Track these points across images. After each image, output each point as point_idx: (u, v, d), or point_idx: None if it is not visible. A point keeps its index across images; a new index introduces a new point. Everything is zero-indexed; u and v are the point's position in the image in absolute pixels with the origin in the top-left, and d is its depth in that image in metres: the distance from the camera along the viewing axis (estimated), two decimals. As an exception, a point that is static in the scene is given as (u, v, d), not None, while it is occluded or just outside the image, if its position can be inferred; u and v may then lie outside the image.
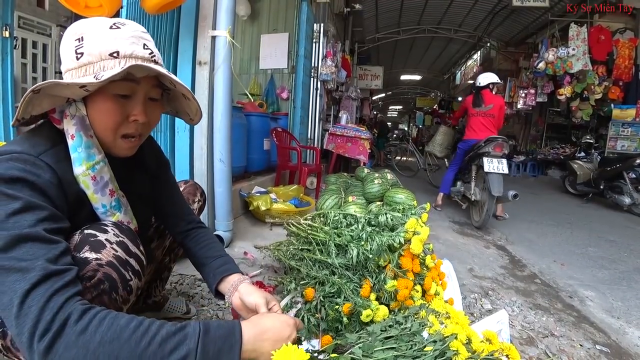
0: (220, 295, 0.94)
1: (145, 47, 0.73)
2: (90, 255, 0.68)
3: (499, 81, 3.93)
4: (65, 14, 5.81)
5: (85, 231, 0.72)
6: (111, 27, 0.70)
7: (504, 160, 3.35)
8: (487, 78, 3.86)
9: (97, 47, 0.68)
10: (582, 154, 6.52)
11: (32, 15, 5.51)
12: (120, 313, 0.57)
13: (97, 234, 0.72)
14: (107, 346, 0.52)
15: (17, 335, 0.52)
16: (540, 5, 7.35)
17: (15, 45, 4.84)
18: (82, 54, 0.68)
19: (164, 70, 0.71)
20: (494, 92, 3.90)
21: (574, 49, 6.75)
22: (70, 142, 0.72)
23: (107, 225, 0.75)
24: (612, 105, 7.00)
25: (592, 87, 7.04)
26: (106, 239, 0.71)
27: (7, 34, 2.89)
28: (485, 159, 3.38)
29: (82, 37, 0.68)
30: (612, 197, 5.01)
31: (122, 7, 2.07)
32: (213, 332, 0.59)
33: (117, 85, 0.70)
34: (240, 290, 0.88)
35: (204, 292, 1.62)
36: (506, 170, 3.31)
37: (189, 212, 1.08)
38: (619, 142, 6.80)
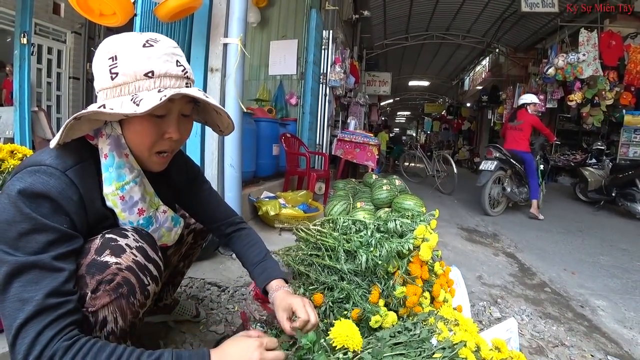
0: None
1: (178, 63, 0.74)
2: (111, 259, 0.70)
3: (535, 101, 4.69)
4: (80, 21, 5.94)
5: (107, 235, 0.74)
6: (144, 45, 0.70)
7: (495, 162, 4.46)
8: (523, 99, 4.78)
9: (132, 67, 0.69)
10: (593, 160, 6.44)
11: (48, 22, 5.64)
12: (103, 345, 0.61)
13: (118, 238, 0.74)
14: None
15: None
16: (550, 11, 7.31)
17: (33, 52, 4.96)
18: (116, 74, 0.69)
19: (200, 95, 0.73)
20: (529, 111, 4.62)
21: (584, 55, 6.69)
22: (103, 160, 0.75)
23: (127, 231, 0.77)
24: (624, 111, 6.89)
25: (603, 92, 6.95)
26: (126, 244, 0.73)
27: (25, 40, 2.97)
28: (483, 161, 4.64)
29: (115, 56, 0.69)
30: (624, 205, 4.93)
31: (136, 15, 2.13)
32: None
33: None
34: (274, 301, 0.95)
35: (213, 296, 1.64)
36: (491, 168, 4.41)
37: (228, 215, 1.11)
38: (631, 149, 6.69)
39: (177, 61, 0.74)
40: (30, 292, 0.58)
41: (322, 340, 0.80)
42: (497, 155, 4.54)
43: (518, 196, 4.68)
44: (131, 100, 0.67)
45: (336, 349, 0.79)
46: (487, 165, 4.46)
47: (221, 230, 1.09)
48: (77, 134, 0.71)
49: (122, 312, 0.71)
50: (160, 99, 0.65)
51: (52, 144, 0.69)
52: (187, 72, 0.75)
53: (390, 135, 11.08)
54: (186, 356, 0.64)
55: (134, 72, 0.69)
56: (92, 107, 0.67)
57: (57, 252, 0.62)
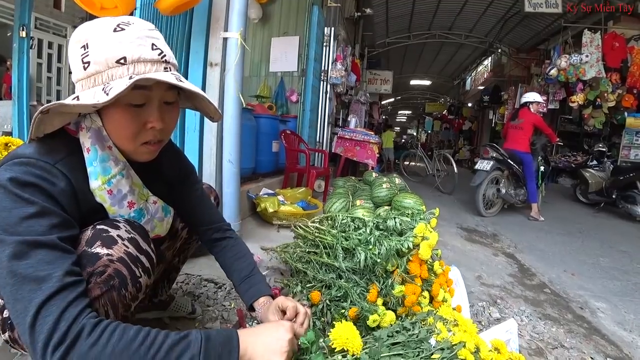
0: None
1: (154, 47, 0.68)
2: (102, 250, 0.69)
3: (538, 100, 4.50)
4: (80, 15, 5.93)
5: (98, 226, 0.72)
6: (115, 30, 0.65)
7: (491, 162, 4.27)
8: (526, 97, 4.58)
9: (103, 55, 0.64)
10: (594, 162, 6.41)
11: (48, 17, 5.63)
12: (128, 325, 0.59)
13: (109, 229, 0.72)
14: (117, 357, 0.55)
15: (30, 343, 0.54)
16: (553, 12, 7.28)
17: (32, 46, 4.94)
18: (88, 63, 0.65)
19: (171, 79, 0.66)
20: (532, 109, 4.45)
21: (587, 56, 6.66)
22: (86, 155, 0.71)
23: (119, 222, 0.75)
24: (626, 113, 6.87)
25: (606, 94, 6.92)
26: (118, 235, 0.72)
27: (24, 34, 2.95)
28: (479, 160, 4.44)
29: (86, 44, 0.65)
30: (625, 207, 4.92)
31: (136, 9, 2.10)
32: (214, 339, 0.62)
33: (129, 95, 0.66)
34: (262, 315, 0.94)
35: (209, 292, 1.62)
36: (487, 168, 4.22)
37: (218, 219, 1.08)
38: (632, 151, 6.68)
39: (153, 44, 0.68)
40: (45, 270, 0.56)
41: (321, 341, 0.79)
42: (494, 155, 4.37)
43: (514, 198, 4.53)
44: (102, 89, 0.63)
45: (335, 350, 0.77)
46: (483, 165, 4.29)
47: (208, 234, 1.06)
48: (49, 128, 0.68)
49: (113, 305, 0.69)
50: (126, 86, 0.60)
51: (27, 140, 0.67)
52: (164, 55, 0.69)
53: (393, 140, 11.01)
54: (214, 335, 0.63)
55: (105, 60, 0.64)
56: (65, 100, 0.64)
57: (61, 234, 0.61)
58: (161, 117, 0.72)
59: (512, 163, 4.39)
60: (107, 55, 0.64)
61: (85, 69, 0.65)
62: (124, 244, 0.71)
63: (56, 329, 0.53)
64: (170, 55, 0.72)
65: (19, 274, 0.55)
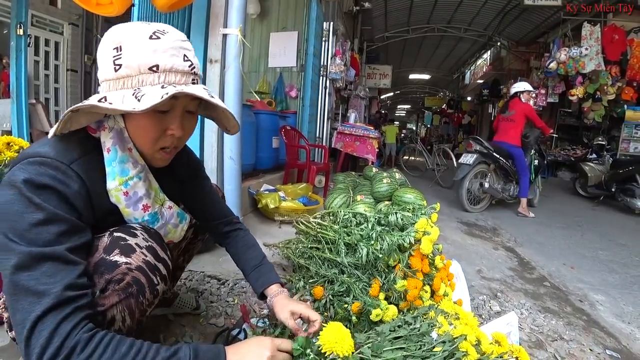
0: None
1: (186, 58, 0.70)
2: (121, 258, 0.70)
3: (528, 89, 4.31)
4: (77, 12, 5.87)
5: (115, 234, 0.73)
6: (151, 37, 0.67)
7: (474, 155, 4.10)
8: (515, 87, 4.37)
9: (136, 60, 0.66)
10: (594, 155, 6.42)
11: (45, 14, 5.57)
12: (122, 338, 0.60)
13: (127, 237, 0.72)
14: None
15: (24, 355, 0.55)
16: (553, 4, 7.25)
17: (29, 43, 4.91)
18: (120, 65, 0.66)
19: (204, 94, 0.69)
20: (523, 99, 4.27)
21: (586, 49, 6.65)
22: (105, 155, 0.72)
23: (135, 229, 0.76)
24: (626, 106, 6.88)
25: (605, 87, 6.92)
26: (136, 243, 0.73)
27: (21, 32, 2.94)
28: (463, 154, 4.26)
29: (120, 47, 0.66)
30: (624, 200, 4.94)
31: (133, 5, 2.09)
32: (202, 356, 0.64)
33: None
34: (275, 304, 0.97)
35: (212, 289, 1.64)
36: (470, 162, 4.05)
37: (227, 213, 1.10)
38: (631, 144, 6.69)
39: (185, 56, 0.70)
40: (46, 284, 0.56)
41: (309, 350, 0.79)
42: (478, 148, 4.16)
43: (501, 193, 4.28)
44: (133, 94, 0.64)
45: (326, 355, 0.78)
46: (467, 158, 4.11)
47: (218, 228, 1.08)
48: (75, 126, 0.69)
49: (130, 312, 0.70)
50: (162, 97, 0.62)
51: (50, 135, 0.67)
52: (194, 67, 0.72)
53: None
54: (203, 350, 0.64)
55: (137, 65, 0.66)
56: (93, 100, 0.65)
57: (69, 244, 0.61)
58: (182, 125, 0.74)
59: (498, 157, 4.17)
60: (141, 62, 0.66)
61: (116, 70, 0.66)
62: (142, 252, 0.72)
63: (49, 344, 0.54)
64: (198, 68, 0.74)
65: (20, 285, 0.56)
